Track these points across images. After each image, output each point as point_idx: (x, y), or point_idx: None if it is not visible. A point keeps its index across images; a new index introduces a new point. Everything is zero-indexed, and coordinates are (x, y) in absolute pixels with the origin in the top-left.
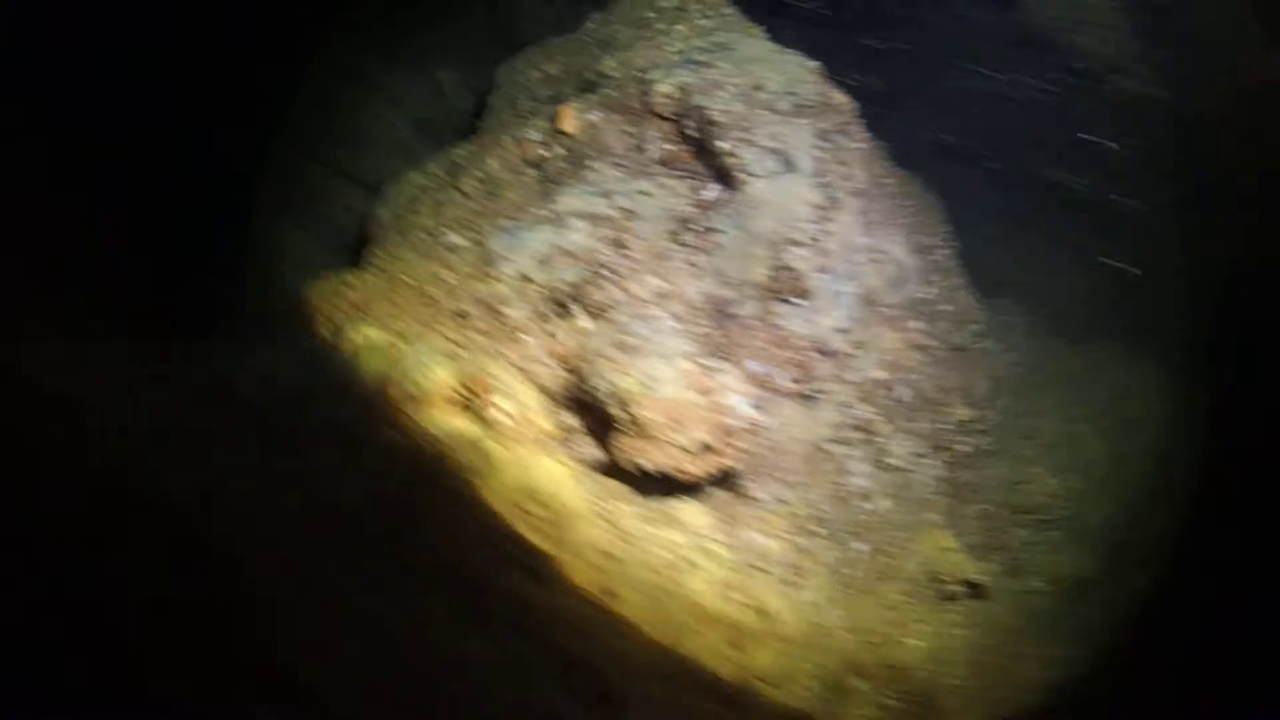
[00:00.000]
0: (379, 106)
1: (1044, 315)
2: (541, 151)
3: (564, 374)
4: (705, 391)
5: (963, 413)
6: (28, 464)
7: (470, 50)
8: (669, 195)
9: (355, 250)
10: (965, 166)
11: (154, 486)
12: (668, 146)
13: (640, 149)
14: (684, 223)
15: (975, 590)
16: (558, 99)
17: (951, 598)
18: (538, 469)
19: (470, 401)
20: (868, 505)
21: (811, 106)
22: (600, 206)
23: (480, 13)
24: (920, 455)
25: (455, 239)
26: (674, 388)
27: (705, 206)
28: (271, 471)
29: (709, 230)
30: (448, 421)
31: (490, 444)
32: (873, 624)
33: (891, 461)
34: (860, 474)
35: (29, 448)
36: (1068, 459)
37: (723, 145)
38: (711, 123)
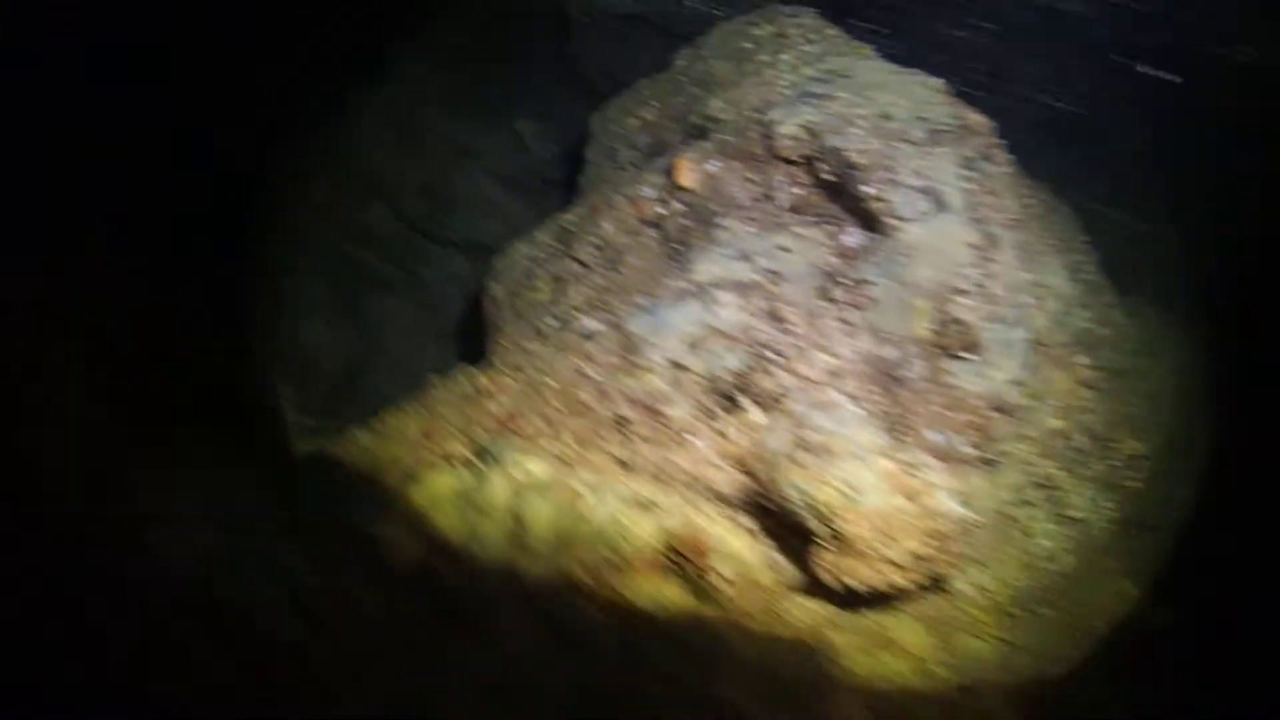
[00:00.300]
0: (458, 161)
1: (1180, 313)
2: (659, 209)
3: (741, 477)
4: (912, 495)
5: (1132, 445)
6: (178, 667)
7: (542, 97)
8: (810, 247)
9: (465, 328)
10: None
11: (320, 686)
12: (796, 191)
13: (768, 197)
14: (831, 277)
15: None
16: (661, 148)
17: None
18: (774, 644)
19: (683, 567)
20: (1053, 567)
21: (948, 131)
22: (743, 271)
23: (547, 56)
24: (1097, 501)
25: (588, 323)
26: (878, 495)
27: (850, 255)
28: (461, 665)
29: (860, 283)
30: (657, 591)
31: (716, 617)
32: None
33: (1072, 514)
34: (1044, 534)
35: (178, 644)
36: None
37: (867, 190)
38: (851, 165)
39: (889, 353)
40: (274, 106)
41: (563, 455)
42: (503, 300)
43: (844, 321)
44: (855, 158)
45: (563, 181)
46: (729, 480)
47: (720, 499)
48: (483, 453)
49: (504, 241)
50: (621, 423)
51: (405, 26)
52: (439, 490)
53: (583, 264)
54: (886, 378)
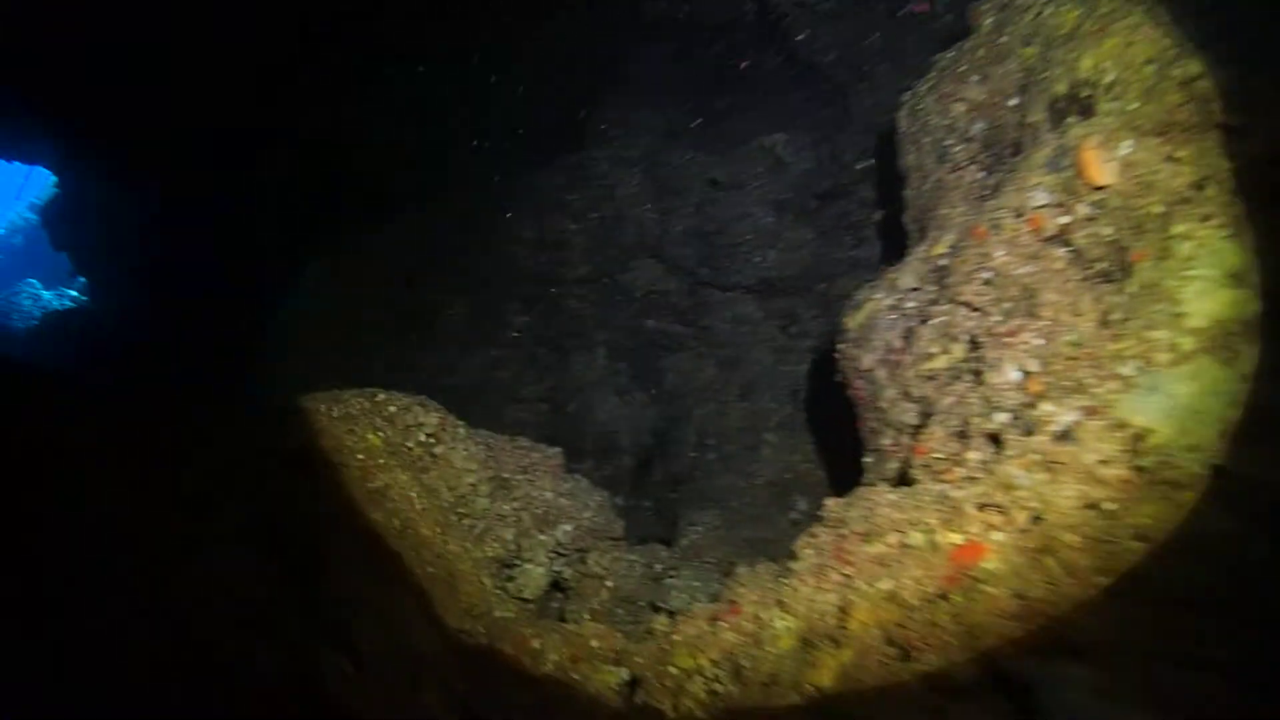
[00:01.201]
0: (715, 195)
1: None
2: (1062, 220)
3: None
4: None
5: None
6: None
7: (779, 103)
8: None
9: (770, 382)
10: None
11: None
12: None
13: (1229, 185)
14: None
15: None
16: (1007, 136)
17: None
18: None
19: None
20: None
21: None
22: (1248, 304)
23: (767, 57)
24: None
25: (1051, 409)
26: None
27: None
28: None
29: None
30: None
31: None
32: None
33: None
34: None
35: None
36: None
37: None
38: None
39: None
40: (519, 177)
41: None
42: (877, 374)
43: None
44: None
45: (846, 193)
46: None
47: None
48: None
49: (794, 273)
50: None
51: (610, 69)
52: None
53: (977, 309)
54: None
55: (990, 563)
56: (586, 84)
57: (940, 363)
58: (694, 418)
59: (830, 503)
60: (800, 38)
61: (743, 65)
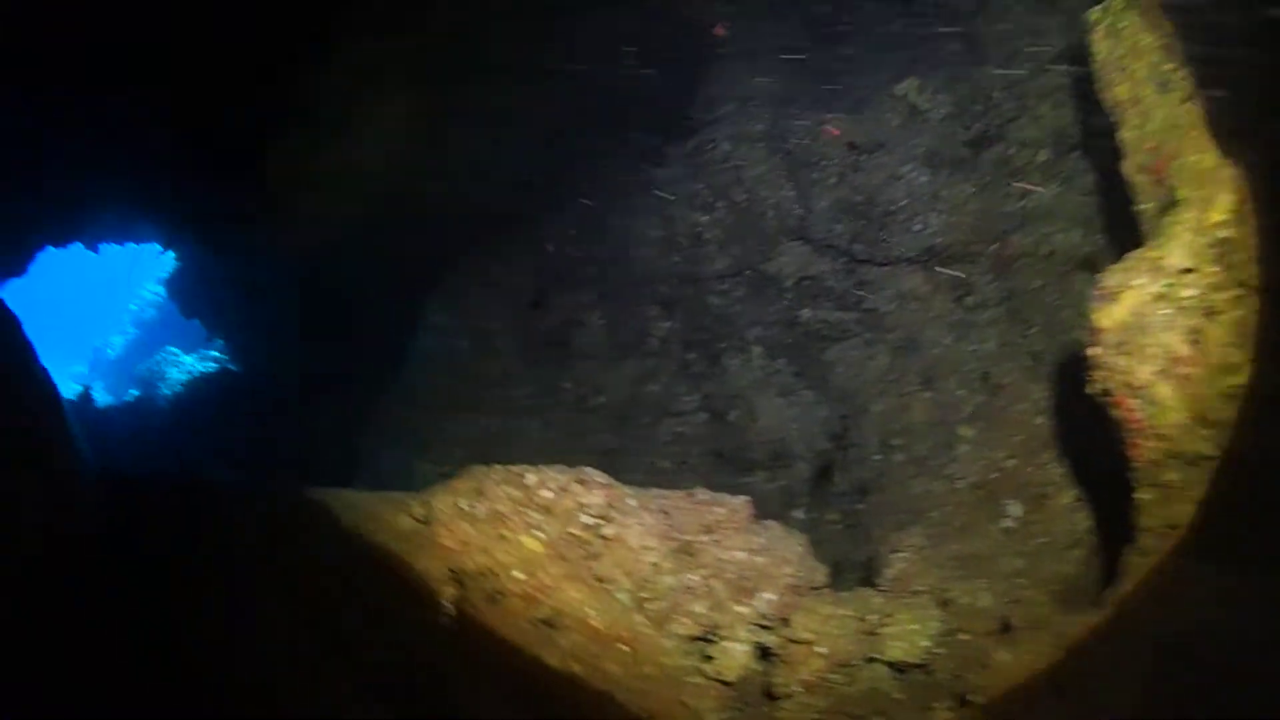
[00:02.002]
0: (853, 157)
1: None
2: None
3: None
4: None
5: None
6: None
7: (901, 42)
8: None
9: (960, 369)
10: None
11: None
12: None
13: None
14: None
15: None
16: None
17: None
18: None
19: None
20: None
21: None
22: None
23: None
24: None
25: None
26: None
27: None
28: None
29: None
30: None
31: None
32: None
33: None
34: None
35: None
36: None
37: None
38: None
39: None
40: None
41: None
42: (1158, 392)
43: None
44: None
45: (1001, 135)
46: None
47: None
48: None
49: (961, 236)
50: None
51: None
52: None
53: None
54: None
55: None
56: (686, 58)
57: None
58: (872, 414)
59: None
60: None
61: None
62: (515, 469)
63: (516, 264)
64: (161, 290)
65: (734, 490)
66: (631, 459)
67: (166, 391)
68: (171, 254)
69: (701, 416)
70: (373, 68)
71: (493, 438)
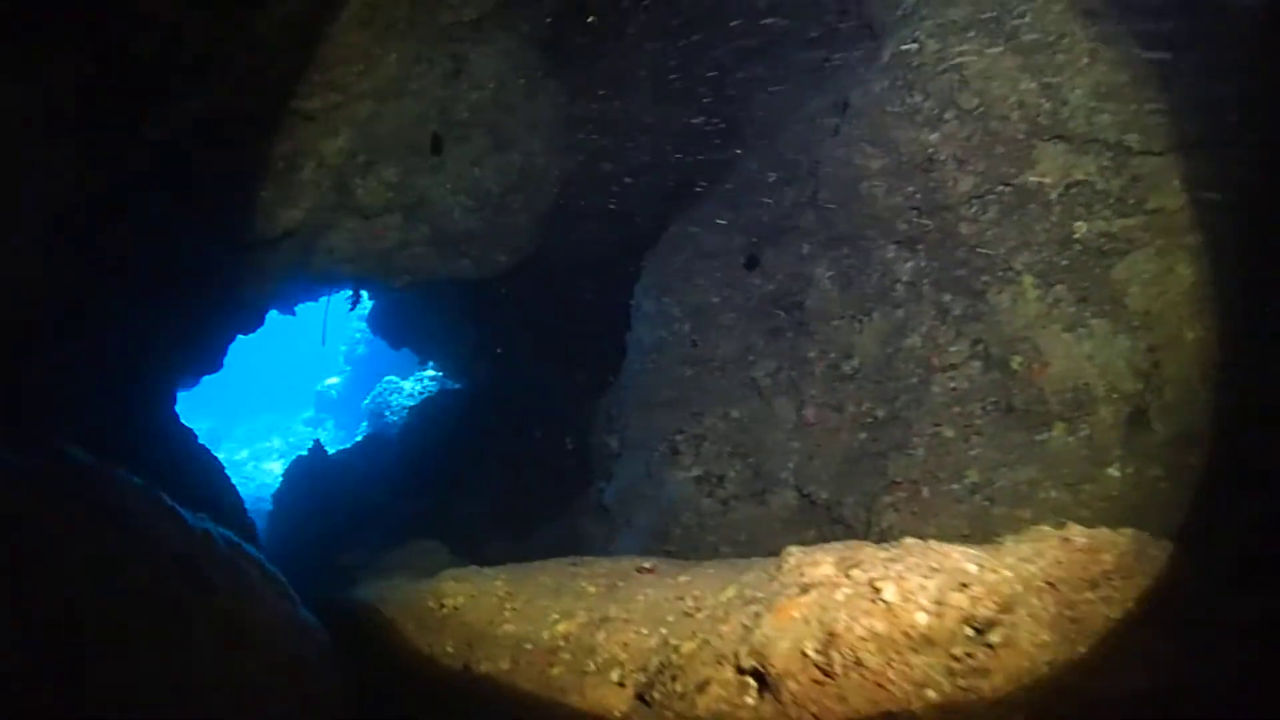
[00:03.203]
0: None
1: None
2: None
3: None
4: None
5: None
6: None
7: None
8: None
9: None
10: None
11: None
12: None
13: None
14: None
15: None
16: None
17: None
18: None
19: None
20: None
21: None
22: None
23: None
24: None
25: None
26: None
27: None
28: None
29: None
30: None
31: None
32: None
33: None
34: None
35: None
36: None
37: None
38: None
39: None
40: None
41: None
42: None
43: None
44: None
45: None
46: None
47: None
48: None
49: None
50: None
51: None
52: None
53: None
54: None
55: None
56: None
57: None
58: (1187, 342)
59: None
60: None
61: None
62: (860, 573)
63: (716, 227)
64: (365, 328)
65: (1030, 450)
66: (910, 428)
67: (393, 418)
68: (365, 293)
69: (975, 366)
70: None
71: (745, 429)
